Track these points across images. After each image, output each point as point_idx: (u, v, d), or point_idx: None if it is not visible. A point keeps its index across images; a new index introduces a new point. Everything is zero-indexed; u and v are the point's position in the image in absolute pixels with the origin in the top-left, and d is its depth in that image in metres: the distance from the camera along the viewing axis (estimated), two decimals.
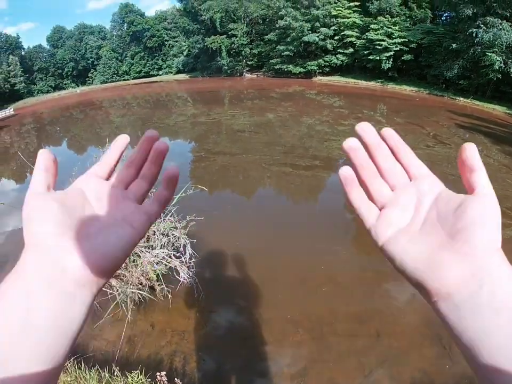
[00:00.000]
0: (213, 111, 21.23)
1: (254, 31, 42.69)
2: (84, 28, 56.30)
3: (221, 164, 11.29)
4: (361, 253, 6.01)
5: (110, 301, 4.15)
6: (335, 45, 35.24)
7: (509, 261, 0.26)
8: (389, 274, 5.27)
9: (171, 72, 54.79)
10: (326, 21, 34.63)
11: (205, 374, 3.79)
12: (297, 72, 37.37)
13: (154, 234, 4.48)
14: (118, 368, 3.35)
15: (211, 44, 41.39)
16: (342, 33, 34.10)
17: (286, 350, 4.04)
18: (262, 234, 6.57)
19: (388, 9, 30.66)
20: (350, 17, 33.64)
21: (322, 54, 36.38)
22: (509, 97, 22.87)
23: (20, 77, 45.06)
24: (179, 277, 4.43)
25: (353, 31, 33.42)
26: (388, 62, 30.66)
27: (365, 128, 0.37)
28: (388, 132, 0.39)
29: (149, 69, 55.11)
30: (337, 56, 35.78)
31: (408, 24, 30.73)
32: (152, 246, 4.46)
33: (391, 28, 30.08)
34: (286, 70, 38.15)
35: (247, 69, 45.05)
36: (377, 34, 30.37)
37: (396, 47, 29.92)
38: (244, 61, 44.22)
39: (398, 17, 30.77)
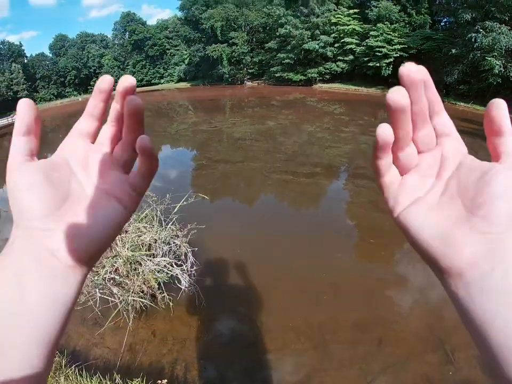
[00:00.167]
0: (214, 119, 21.33)
1: (254, 39, 43.10)
2: (86, 36, 56.80)
3: (222, 171, 11.32)
4: (362, 260, 6.01)
5: (111, 309, 4.16)
6: (335, 52, 35.50)
7: None
8: (391, 281, 5.28)
9: (172, 81, 55.18)
10: (326, 28, 34.95)
11: (206, 382, 3.78)
12: (298, 79, 37.64)
13: (155, 242, 4.49)
14: (119, 376, 3.35)
15: (212, 52, 41.74)
16: (342, 41, 34.38)
17: (287, 358, 4.03)
18: (263, 242, 6.57)
19: (387, 15, 30.89)
20: (350, 25, 33.96)
21: (322, 61, 36.62)
22: (509, 101, 22.80)
23: (23, 84, 45.37)
24: (180, 285, 4.44)
25: (353, 38, 33.68)
26: (388, 68, 30.79)
27: (411, 72, 0.30)
28: (422, 72, 0.30)
29: (151, 77, 55.49)
30: (337, 63, 36.03)
31: (407, 31, 30.94)
32: (153, 254, 4.48)
33: (391, 35, 30.29)
34: (286, 77, 38.43)
35: (248, 77, 45.39)
36: (377, 41, 30.58)
37: (396, 53, 30.08)
38: (245, 69, 44.57)
39: (398, 24, 30.99)
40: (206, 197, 5.47)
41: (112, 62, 54.59)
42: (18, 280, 0.28)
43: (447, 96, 26.68)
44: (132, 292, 4.15)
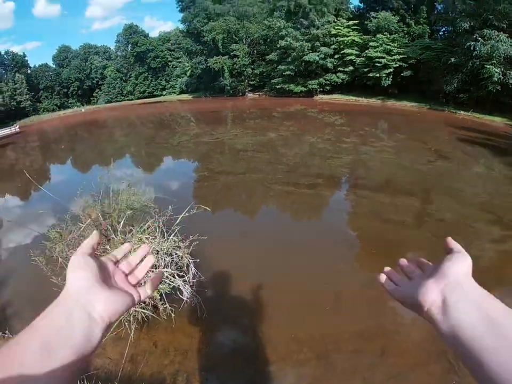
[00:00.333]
0: (215, 130, 21.49)
1: (255, 51, 43.51)
2: (89, 48, 57.39)
3: (224, 183, 11.38)
4: (364, 270, 6.00)
5: None
6: (335, 64, 35.83)
7: None
8: None
9: (174, 92, 55.60)
10: (326, 40, 35.32)
11: None
12: (299, 91, 37.92)
13: (158, 253, 4.50)
14: None
15: (214, 64, 42.11)
16: (342, 52, 34.74)
17: (290, 369, 4.02)
18: (265, 252, 6.58)
19: (386, 26, 31.24)
20: (350, 36, 34.33)
21: (323, 72, 36.93)
22: (509, 108, 22.91)
23: (26, 94, 45.58)
24: (182, 296, 4.45)
25: (353, 49, 34.02)
26: (387, 78, 31.05)
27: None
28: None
29: (153, 89, 55.94)
30: (337, 74, 36.35)
31: (406, 41, 31.27)
32: (155, 265, 4.49)
33: (390, 45, 30.60)
34: (287, 89, 38.72)
35: (249, 88, 45.72)
36: (376, 51, 30.88)
37: (395, 63, 30.36)
38: (246, 80, 44.93)
39: (397, 34, 31.36)
40: (207, 208, 5.49)
41: (115, 73, 55.08)
42: (70, 315, 0.48)
43: (447, 105, 26.80)
44: None
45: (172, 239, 4.73)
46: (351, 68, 34.83)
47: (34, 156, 21.50)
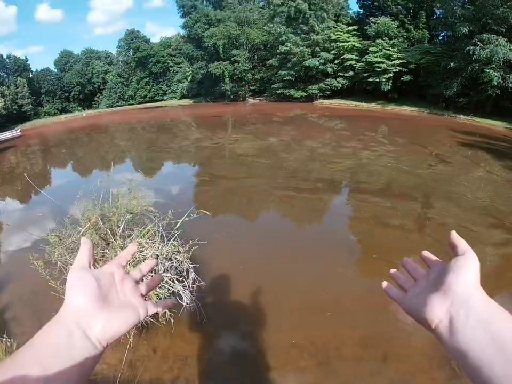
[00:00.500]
0: (216, 135, 21.51)
1: (256, 56, 43.76)
2: (91, 52, 57.68)
3: (225, 187, 11.35)
4: (366, 275, 5.96)
5: None
6: (335, 69, 36.02)
7: None
8: None
9: (175, 97, 55.73)
10: (326, 45, 35.48)
11: None
12: (299, 96, 38.04)
13: (157, 258, 4.47)
14: None
15: (214, 69, 42.29)
16: (342, 57, 34.92)
17: (290, 376, 3.97)
18: (266, 258, 6.55)
19: (385, 31, 31.43)
20: (349, 41, 34.53)
21: (323, 77, 37.09)
22: (509, 112, 22.97)
23: (28, 98, 45.80)
24: (182, 301, 4.40)
25: (353, 54, 34.20)
26: (387, 83, 31.16)
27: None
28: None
29: (154, 94, 56.10)
30: (337, 79, 36.50)
31: (406, 46, 31.44)
32: (155, 270, 4.45)
33: (390, 50, 30.74)
34: (287, 94, 38.83)
35: (250, 93, 45.89)
36: (376, 56, 31.02)
37: (395, 68, 30.50)
38: (247, 86, 45.11)
39: (396, 39, 31.53)
40: (208, 213, 5.46)
41: (116, 78, 55.29)
42: (69, 335, 0.47)
43: (446, 110, 26.87)
44: None
45: (172, 243, 4.69)
46: (351, 72, 34.99)
47: (35, 160, 21.51)
